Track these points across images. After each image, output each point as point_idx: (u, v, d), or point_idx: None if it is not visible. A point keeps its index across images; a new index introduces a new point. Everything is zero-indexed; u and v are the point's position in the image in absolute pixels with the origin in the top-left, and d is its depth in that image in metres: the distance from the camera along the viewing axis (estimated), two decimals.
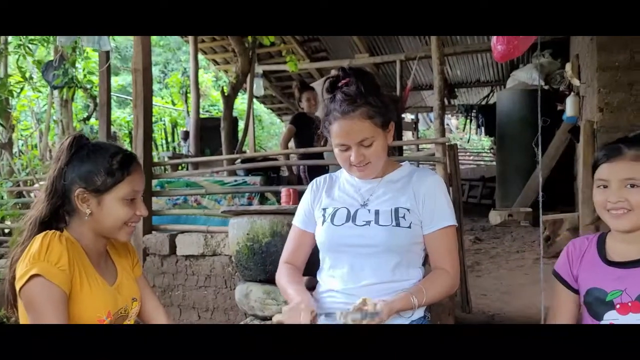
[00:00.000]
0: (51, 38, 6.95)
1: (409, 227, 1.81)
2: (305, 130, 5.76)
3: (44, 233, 1.64)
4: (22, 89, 7.96)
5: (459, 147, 14.04)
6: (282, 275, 1.96)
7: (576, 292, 1.74)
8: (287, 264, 1.99)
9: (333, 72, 1.90)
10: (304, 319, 1.66)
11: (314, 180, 2.05)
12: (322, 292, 1.91)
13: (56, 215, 1.72)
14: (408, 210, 1.83)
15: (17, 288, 1.59)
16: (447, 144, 4.23)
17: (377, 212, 1.84)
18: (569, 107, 6.45)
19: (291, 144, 5.98)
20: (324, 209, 1.93)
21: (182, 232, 4.73)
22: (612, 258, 1.68)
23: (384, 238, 1.80)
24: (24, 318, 1.65)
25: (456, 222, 1.88)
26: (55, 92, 7.92)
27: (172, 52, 20.91)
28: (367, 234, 1.81)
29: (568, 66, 6.52)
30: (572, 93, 6.66)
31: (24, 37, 6.80)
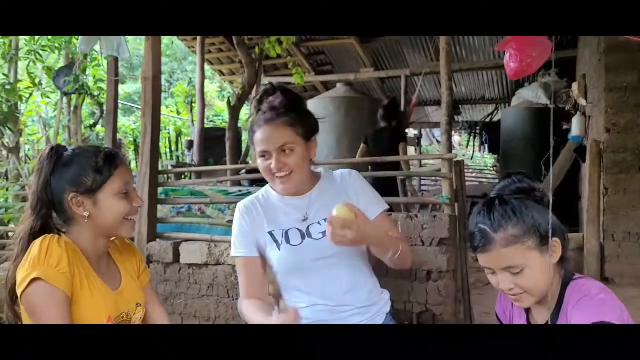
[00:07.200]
0: (63, 44, 7.00)
1: None
2: None
3: (42, 237, 1.64)
4: (31, 94, 8.02)
5: None
6: (251, 309, 1.90)
7: None
8: (250, 299, 1.95)
9: (262, 89, 2.00)
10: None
11: (242, 205, 2.04)
12: (302, 308, 1.84)
13: (46, 228, 1.71)
14: None
15: (19, 293, 1.59)
16: (453, 160, 4.21)
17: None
18: (575, 126, 6.46)
19: None
20: (271, 232, 1.96)
21: (186, 240, 4.72)
22: (537, 321, 1.62)
23: (337, 247, 1.78)
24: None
25: (386, 205, 2.03)
26: (65, 99, 7.97)
27: (178, 62, 21.07)
28: (326, 245, 1.80)
29: (575, 86, 6.54)
30: (578, 112, 6.67)
31: (35, 43, 6.84)
